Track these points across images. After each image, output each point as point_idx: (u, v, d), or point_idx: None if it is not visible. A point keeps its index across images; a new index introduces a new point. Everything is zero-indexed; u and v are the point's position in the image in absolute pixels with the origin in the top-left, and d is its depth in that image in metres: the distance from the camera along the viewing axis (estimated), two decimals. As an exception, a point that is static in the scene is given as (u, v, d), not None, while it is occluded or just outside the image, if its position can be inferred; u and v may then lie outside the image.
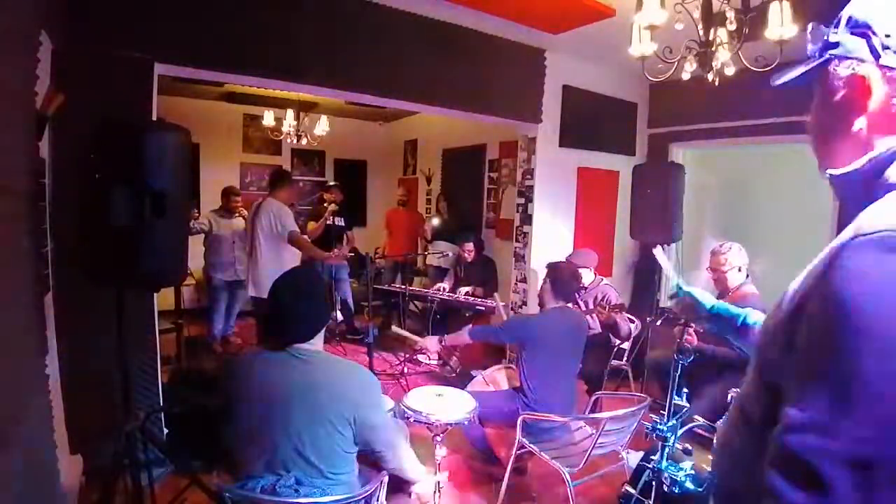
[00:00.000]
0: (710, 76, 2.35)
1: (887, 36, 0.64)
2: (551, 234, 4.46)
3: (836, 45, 0.70)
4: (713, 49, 2.28)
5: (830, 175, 0.72)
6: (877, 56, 0.65)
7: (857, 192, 0.68)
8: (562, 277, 2.77)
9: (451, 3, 3.18)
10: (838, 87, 0.69)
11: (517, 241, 4.53)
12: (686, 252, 4.42)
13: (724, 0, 2.19)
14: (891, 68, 0.65)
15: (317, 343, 1.64)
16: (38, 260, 1.94)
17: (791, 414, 0.57)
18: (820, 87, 0.73)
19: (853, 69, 0.68)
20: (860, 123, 0.68)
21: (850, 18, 0.69)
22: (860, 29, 0.67)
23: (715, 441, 0.88)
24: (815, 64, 0.73)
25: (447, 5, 3.22)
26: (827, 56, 0.71)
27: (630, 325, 3.48)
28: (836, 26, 0.71)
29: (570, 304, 2.86)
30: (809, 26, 0.74)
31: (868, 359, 0.51)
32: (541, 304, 2.93)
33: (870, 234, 0.56)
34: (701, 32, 2.30)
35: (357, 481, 1.67)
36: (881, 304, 0.52)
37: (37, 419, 1.82)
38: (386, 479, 1.75)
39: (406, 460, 1.76)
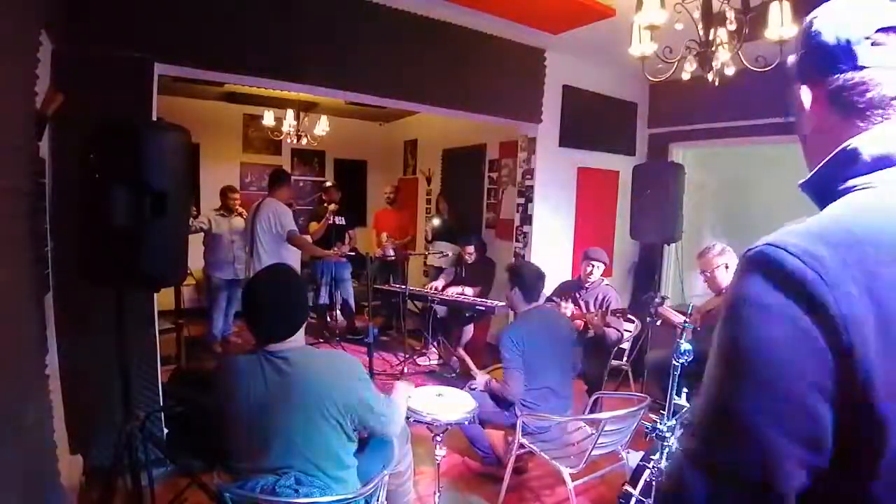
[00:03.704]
0: (710, 76, 2.35)
1: (805, 52, 0.65)
2: (551, 234, 4.45)
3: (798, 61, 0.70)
4: (713, 49, 2.28)
5: (799, 185, 0.70)
6: (799, 72, 0.67)
7: (818, 201, 0.66)
8: (527, 281, 2.76)
9: (452, 3, 3.18)
10: (795, 103, 0.70)
11: (517, 241, 4.53)
12: (686, 252, 4.42)
13: (724, 0, 2.19)
14: (812, 84, 0.65)
15: (297, 339, 1.62)
16: (38, 260, 1.94)
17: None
18: (791, 100, 0.74)
19: (798, 87, 0.68)
20: (812, 137, 0.69)
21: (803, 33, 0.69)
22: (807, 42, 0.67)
23: None
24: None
25: (447, 5, 3.21)
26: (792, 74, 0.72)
27: (620, 333, 3.48)
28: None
29: (543, 303, 2.86)
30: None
31: (727, 379, 0.54)
32: (512, 309, 2.93)
33: (751, 248, 0.56)
34: (701, 32, 2.30)
35: (357, 479, 1.68)
36: (736, 325, 0.54)
37: (37, 419, 1.82)
38: (387, 478, 1.75)
39: (398, 423, 1.81)
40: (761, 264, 0.53)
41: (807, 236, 0.53)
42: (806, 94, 0.67)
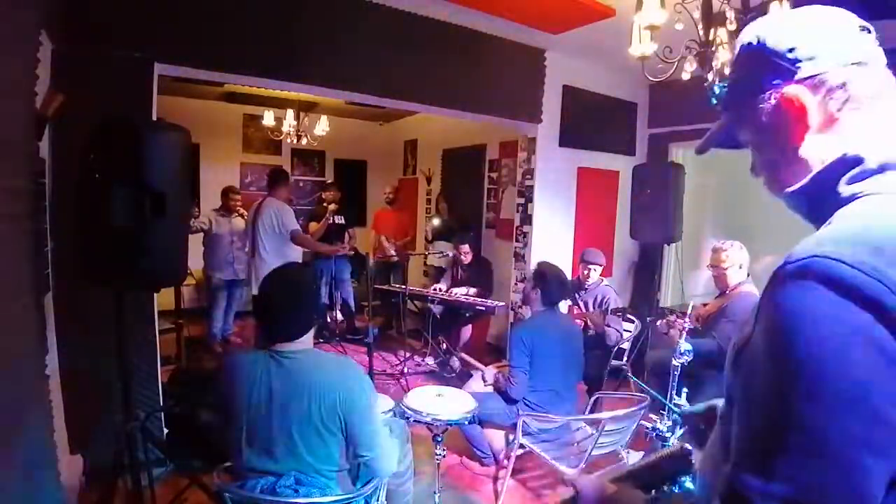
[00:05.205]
0: (710, 76, 2.35)
1: (790, 50, 0.64)
2: (551, 234, 4.46)
3: (743, 84, 0.70)
4: (713, 49, 2.28)
5: (786, 193, 0.69)
6: (790, 73, 0.64)
7: (812, 208, 0.66)
8: (551, 284, 2.78)
9: (452, 3, 3.18)
10: (770, 119, 0.67)
11: (517, 241, 4.53)
12: (686, 252, 4.43)
13: (724, 0, 2.19)
14: (811, 77, 0.63)
15: (305, 341, 1.62)
16: (38, 260, 1.94)
17: (736, 450, 0.56)
18: (750, 128, 0.72)
19: (776, 96, 0.66)
20: (809, 140, 0.65)
21: (742, 50, 0.70)
22: (759, 54, 0.67)
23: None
24: (733, 116, 0.74)
25: (447, 5, 3.22)
26: (742, 100, 0.70)
27: (619, 334, 3.48)
28: (733, 68, 0.72)
29: (556, 307, 2.87)
30: (712, 84, 0.75)
31: (802, 402, 0.50)
32: (525, 303, 2.93)
33: (795, 261, 0.54)
34: (701, 32, 2.30)
35: (357, 480, 1.67)
36: (809, 343, 0.50)
37: (37, 419, 1.82)
38: (386, 478, 1.75)
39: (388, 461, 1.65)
40: (819, 277, 0.51)
41: (856, 245, 0.52)
42: (801, 93, 0.65)
